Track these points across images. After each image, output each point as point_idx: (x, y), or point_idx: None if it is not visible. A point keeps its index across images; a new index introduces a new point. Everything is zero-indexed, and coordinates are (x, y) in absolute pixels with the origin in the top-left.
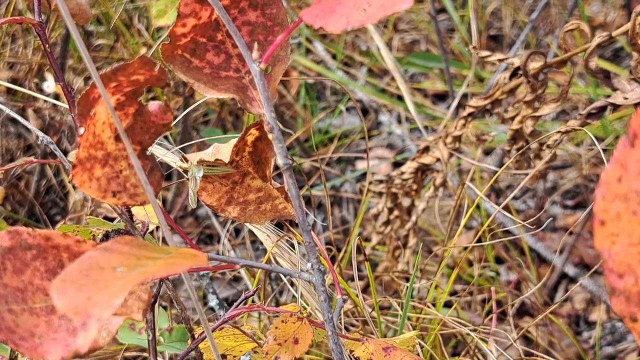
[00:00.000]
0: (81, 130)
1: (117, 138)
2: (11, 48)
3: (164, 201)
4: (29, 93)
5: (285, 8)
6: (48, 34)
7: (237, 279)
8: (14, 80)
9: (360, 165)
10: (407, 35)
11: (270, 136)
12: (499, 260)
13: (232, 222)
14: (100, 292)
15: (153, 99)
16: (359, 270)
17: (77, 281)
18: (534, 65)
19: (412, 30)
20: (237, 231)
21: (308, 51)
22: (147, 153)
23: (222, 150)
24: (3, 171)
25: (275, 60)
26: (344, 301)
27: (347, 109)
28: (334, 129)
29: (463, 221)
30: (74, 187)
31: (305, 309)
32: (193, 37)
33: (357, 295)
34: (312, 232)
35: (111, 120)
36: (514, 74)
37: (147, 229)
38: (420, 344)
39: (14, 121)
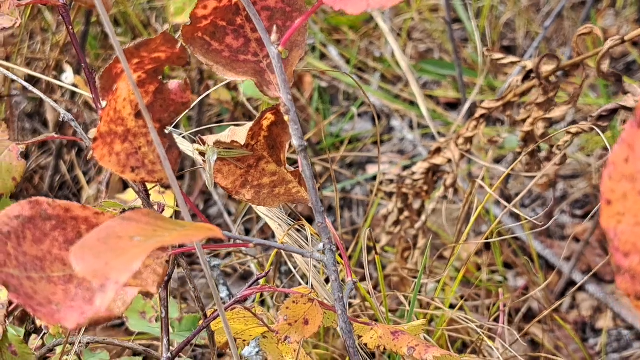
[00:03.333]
0: (103, 104)
1: (137, 115)
2: (29, 45)
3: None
4: (50, 80)
5: None
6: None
7: (247, 276)
8: (31, 77)
9: (371, 170)
10: (420, 44)
11: (286, 118)
12: (507, 266)
13: (243, 217)
14: (117, 257)
15: None
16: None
17: (96, 248)
18: (547, 68)
19: (426, 39)
20: (247, 231)
21: (323, 56)
22: (166, 131)
23: (238, 133)
24: (25, 146)
25: (292, 45)
26: (355, 283)
27: (360, 114)
28: (345, 133)
29: (471, 220)
30: (87, 182)
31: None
32: (213, 20)
33: (367, 290)
34: (324, 214)
35: (132, 97)
36: (526, 77)
37: (163, 210)
38: (427, 339)
39: (30, 117)
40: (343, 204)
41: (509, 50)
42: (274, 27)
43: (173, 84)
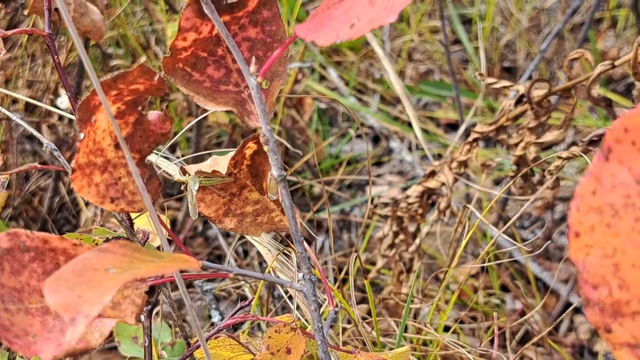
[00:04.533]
0: (81, 136)
1: (117, 146)
2: (30, 67)
3: (174, 222)
4: (44, 106)
5: (284, 25)
6: (66, 55)
7: (241, 300)
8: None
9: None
10: (421, 65)
11: (265, 148)
12: (505, 289)
13: (240, 240)
14: (91, 290)
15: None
16: (363, 293)
17: (70, 280)
18: (539, 92)
19: (427, 60)
20: (246, 252)
21: (322, 78)
22: (146, 162)
23: (219, 162)
24: (7, 175)
25: (273, 75)
26: (336, 312)
27: (359, 136)
28: (345, 155)
29: (463, 243)
30: (86, 204)
31: (299, 319)
32: (194, 51)
33: (355, 316)
34: (304, 243)
35: (111, 128)
36: (519, 101)
37: (148, 238)
38: None
39: (29, 138)
40: (342, 226)
41: (509, 71)
42: (253, 58)
43: (153, 115)
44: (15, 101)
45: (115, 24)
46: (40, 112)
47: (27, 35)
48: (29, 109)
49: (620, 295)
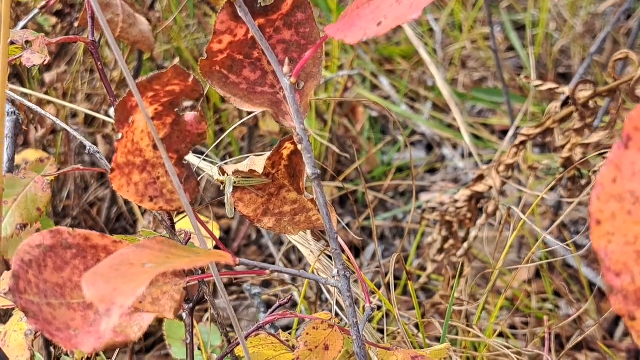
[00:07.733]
0: (119, 136)
1: (155, 146)
2: (89, 82)
3: (228, 230)
4: (99, 116)
5: (318, 27)
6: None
7: (292, 305)
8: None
9: (423, 198)
10: (474, 73)
11: (299, 147)
12: (559, 295)
13: (288, 245)
14: (127, 283)
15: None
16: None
17: (107, 274)
18: (584, 94)
19: (480, 67)
20: (300, 259)
21: (374, 87)
22: (184, 162)
23: (257, 162)
24: (53, 178)
25: (307, 76)
26: (373, 310)
27: (412, 143)
28: (397, 162)
29: (507, 246)
30: (142, 214)
31: (338, 317)
32: (230, 54)
33: (394, 308)
34: (338, 239)
35: (149, 129)
36: (565, 103)
37: (189, 238)
38: None
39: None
40: (395, 233)
41: (565, 77)
42: (286, 59)
43: (189, 116)
44: (75, 115)
45: (170, 37)
46: (98, 124)
47: (83, 50)
48: (88, 121)
49: None
